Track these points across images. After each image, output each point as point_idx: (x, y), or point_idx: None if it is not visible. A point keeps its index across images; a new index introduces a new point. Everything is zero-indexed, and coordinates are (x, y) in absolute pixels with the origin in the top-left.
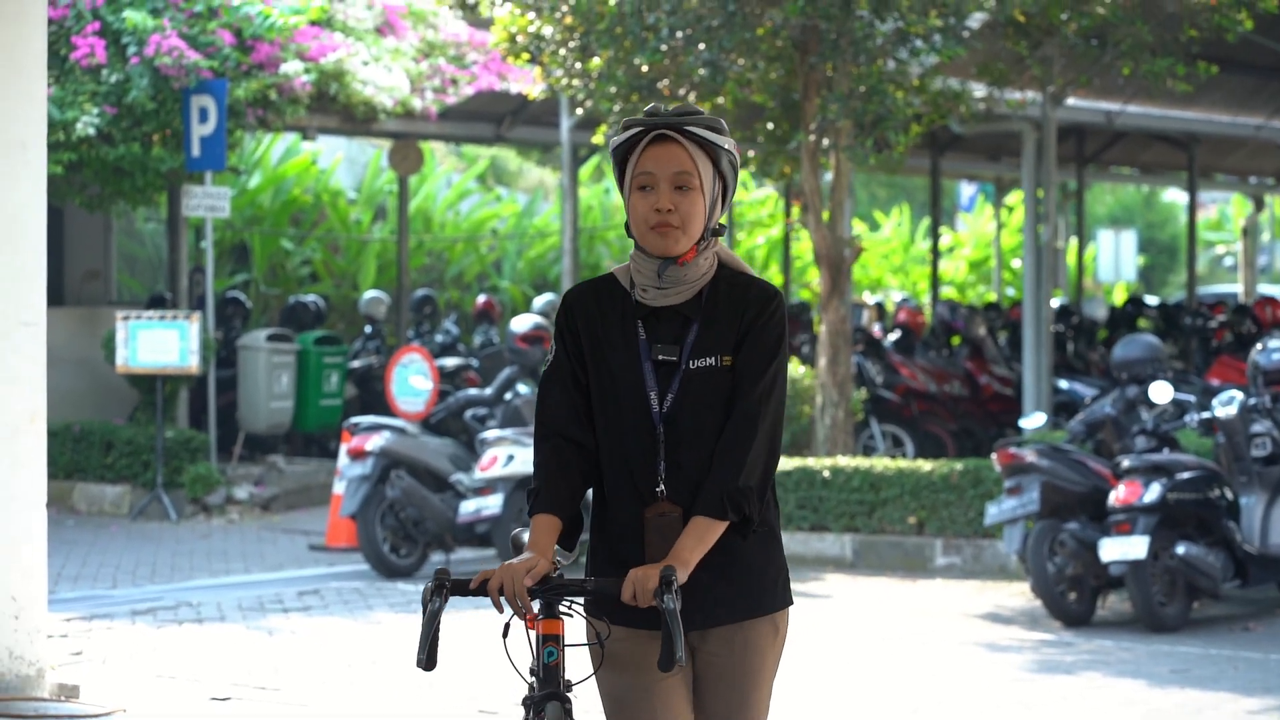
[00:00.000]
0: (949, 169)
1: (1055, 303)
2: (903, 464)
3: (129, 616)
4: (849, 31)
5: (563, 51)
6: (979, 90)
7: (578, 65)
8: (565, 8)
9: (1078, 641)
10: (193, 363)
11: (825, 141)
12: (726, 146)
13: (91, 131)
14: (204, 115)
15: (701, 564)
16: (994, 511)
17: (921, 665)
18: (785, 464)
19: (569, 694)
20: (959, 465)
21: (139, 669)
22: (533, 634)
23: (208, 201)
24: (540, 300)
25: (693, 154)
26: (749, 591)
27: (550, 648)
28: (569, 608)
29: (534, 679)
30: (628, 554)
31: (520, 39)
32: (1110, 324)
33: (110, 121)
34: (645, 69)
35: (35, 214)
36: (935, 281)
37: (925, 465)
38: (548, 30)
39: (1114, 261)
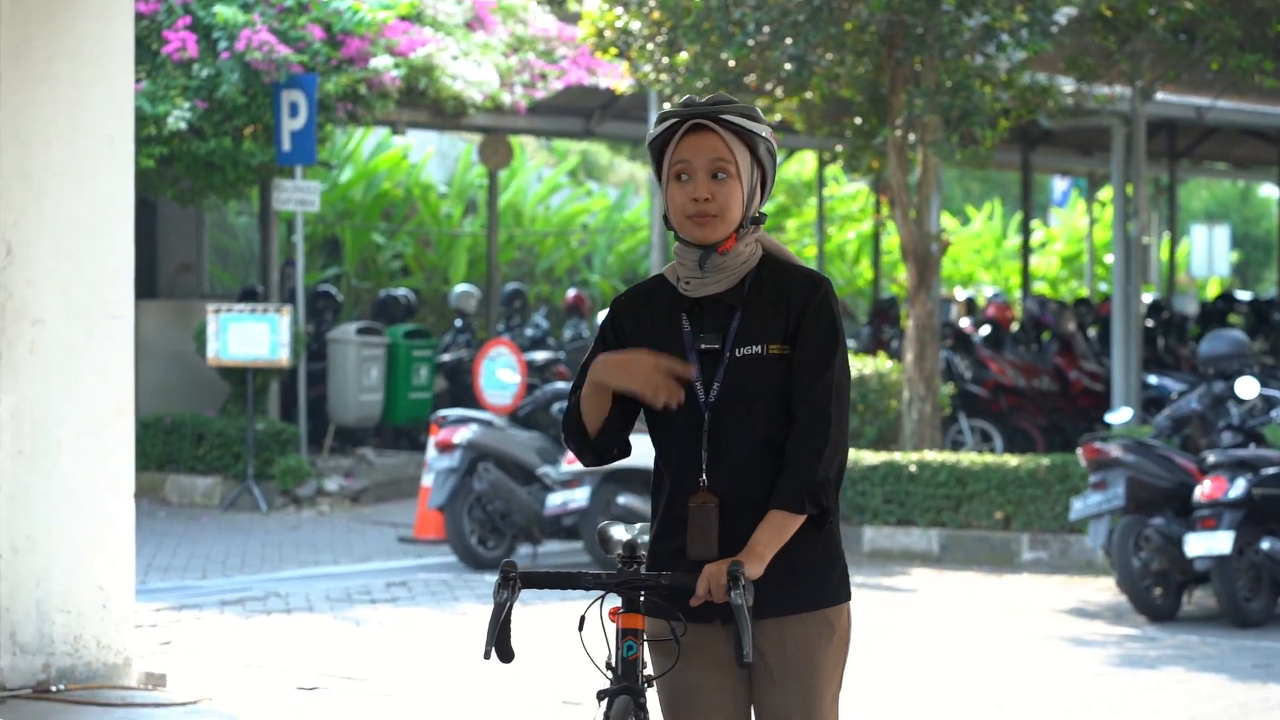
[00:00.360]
0: (1040, 164)
1: (1148, 298)
2: (989, 459)
3: (218, 607)
4: (935, 26)
5: (650, 46)
6: (1067, 85)
7: (665, 60)
8: (652, 3)
9: (1162, 636)
10: (283, 355)
11: (911, 136)
12: (763, 134)
13: (183, 126)
14: (294, 110)
15: None
16: (1079, 506)
17: (1005, 659)
18: (872, 458)
19: (648, 688)
20: (1046, 460)
21: (226, 658)
22: (610, 626)
23: (298, 195)
24: None
25: (729, 142)
26: (799, 585)
27: (630, 641)
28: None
29: (611, 672)
30: (674, 545)
31: (608, 34)
32: (1201, 319)
33: (201, 116)
34: (732, 64)
35: (123, 208)
36: (1026, 276)
37: (1012, 460)
38: (635, 25)
39: (1207, 257)
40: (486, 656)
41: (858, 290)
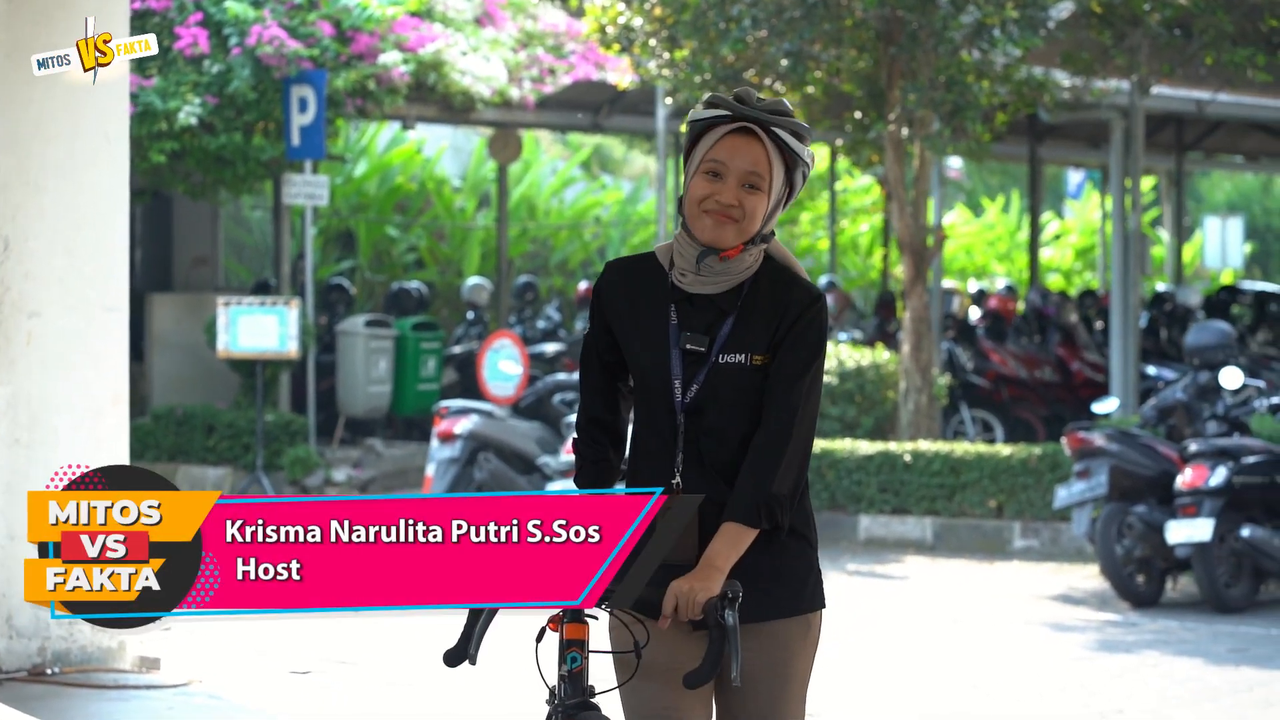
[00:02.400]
0: (1049, 156)
1: (1162, 287)
2: (982, 448)
3: None
4: (929, 22)
5: (652, 42)
6: (1065, 80)
7: (667, 55)
8: None
9: (1143, 622)
10: (291, 348)
11: (906, 130)
12: (805, 157)
13: (194, 121)
14: (304, 105)
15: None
16: (1063, 494)
17: (987, 644)
18: (868, 448)
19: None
20: (1037, 449)
21: (224, 643)
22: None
23: (307, 190)
24: None
25: (770, 155)
26: (778, 590)
27: (574, 653)
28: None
29: (557, 686)
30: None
31: (610, 30)
32: (1205, 311)
33: (212, 111)
34: (731, 59)
35: (119, 203)
36: (1035, 268)
37: (1004, 449)
38: (637, 21)
39: (1221, 248)
40: (445, 660)
41: (870, 282)
